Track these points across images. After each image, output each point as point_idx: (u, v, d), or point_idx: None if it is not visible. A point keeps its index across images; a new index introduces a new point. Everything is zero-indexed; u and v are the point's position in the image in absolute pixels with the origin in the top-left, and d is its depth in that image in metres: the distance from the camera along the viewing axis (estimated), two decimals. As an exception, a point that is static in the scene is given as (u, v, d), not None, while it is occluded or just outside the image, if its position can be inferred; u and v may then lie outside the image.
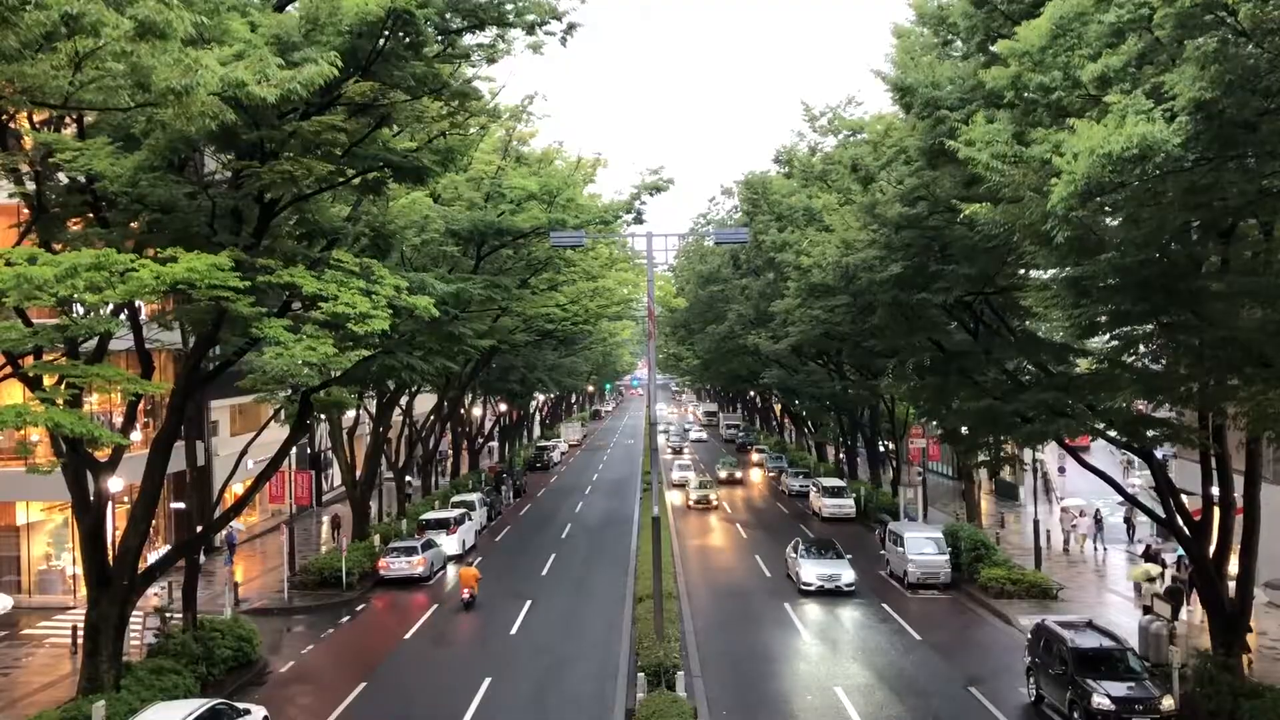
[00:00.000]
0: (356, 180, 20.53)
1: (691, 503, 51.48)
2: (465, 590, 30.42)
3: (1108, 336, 20.30)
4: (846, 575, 31.19)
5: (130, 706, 18.46)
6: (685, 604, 29.69)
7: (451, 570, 35.91)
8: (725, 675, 23.16)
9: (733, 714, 20.77)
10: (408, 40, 17.71)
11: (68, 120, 19.58)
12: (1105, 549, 38.42)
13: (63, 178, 19.56)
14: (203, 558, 33.93)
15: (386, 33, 17.23)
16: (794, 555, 33.25)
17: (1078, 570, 35.15)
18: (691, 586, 32.46)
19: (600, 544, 41.32)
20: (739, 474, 63.93)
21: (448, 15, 18.81)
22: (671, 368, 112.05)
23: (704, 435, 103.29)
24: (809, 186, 42.12)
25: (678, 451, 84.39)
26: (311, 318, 18.08)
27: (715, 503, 51.51)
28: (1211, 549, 21.13)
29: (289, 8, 18.86)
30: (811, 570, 31.44)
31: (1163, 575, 30.02)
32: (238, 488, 32.25)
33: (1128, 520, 40.58)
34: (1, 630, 27.33)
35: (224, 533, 37.34)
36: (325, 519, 43.53)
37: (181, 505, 34.06)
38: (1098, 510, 41.10)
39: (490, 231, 32.22)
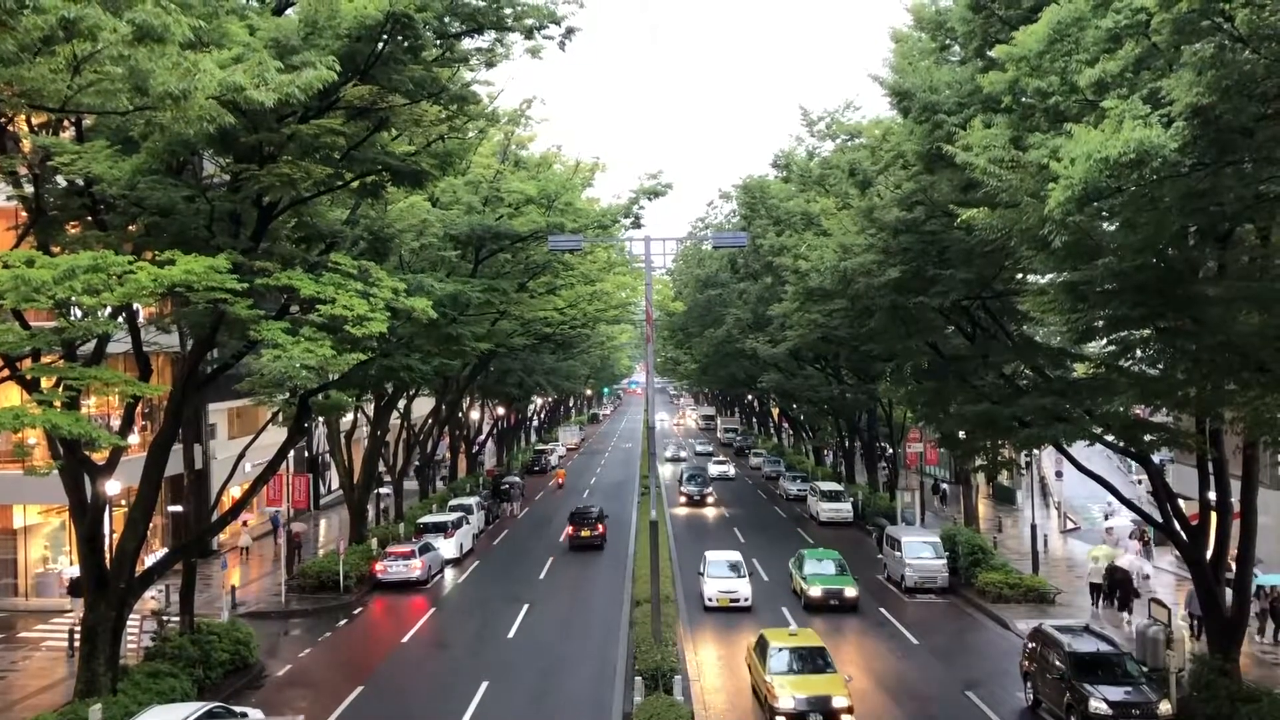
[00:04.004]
0: (355, 184, 20.55)
1: (781, 712, 19.64)
2: (560, 479, 59.63)
3: (1105, 341, 20.31)
4: None
5: (127, 710, 18.42)
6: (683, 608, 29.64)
7: (450, 573, 35.96)
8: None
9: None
10: (406, 44, 17.73)
11: (66, 123, 19.60)
12: (1151, 574, 32.72)
13: (61, 180, 19.56)
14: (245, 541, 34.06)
15: (385, 36, 17.25)
16: None
17: (1076, 575, 35.11)
18: None
19: (590, 575, 41.22)
20: (852, 591, 29.76)
21: (446, 19, 18.83)
22: (669, 371, 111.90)
23: (730, 470, 68.45)
24: (807, 191, 42.17)
25: (696, 503, 53.10)
26: (309, 320, 18.08)
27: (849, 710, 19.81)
28: (1209, 554, 21.15)
29: (288, 11, 18.89)
30: None
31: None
32: (235, 490, 32.22)
33: (1142, 535, 35.64)
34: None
35: (269, 515, 37.85)
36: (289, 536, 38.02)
37: (179, 508, 34.02)
38: (1145, 532, 35.01)
39: (488, 235, 32.23)
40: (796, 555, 32.96)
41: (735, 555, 32.01)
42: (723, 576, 30.31)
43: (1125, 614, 28.09)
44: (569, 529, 40.53)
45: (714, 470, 66.26)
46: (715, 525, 41.95)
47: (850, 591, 29.60)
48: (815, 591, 29.66)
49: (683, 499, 54.16)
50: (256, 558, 38.82)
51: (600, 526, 40.59)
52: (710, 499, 54.34)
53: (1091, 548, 34.76)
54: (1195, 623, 25.66)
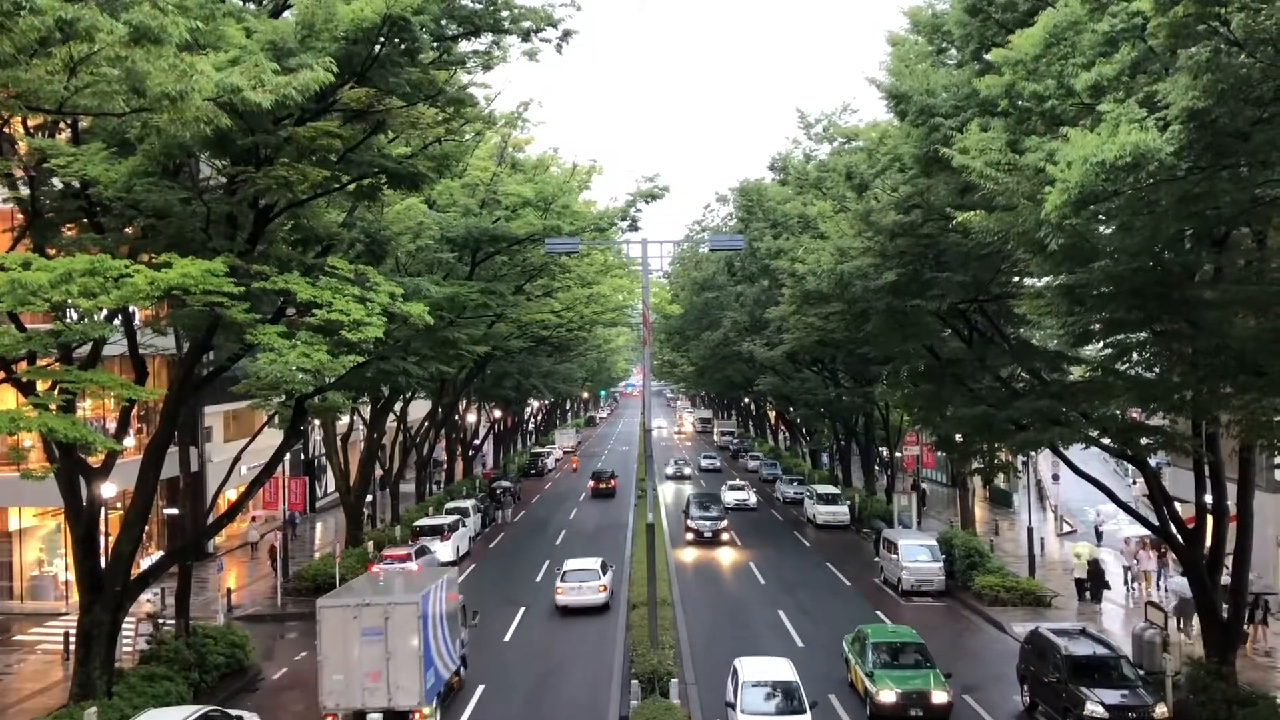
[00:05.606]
0: (351, 186, 20.54)
1: None
2: (574, 465, 69.22)
3: (1101, 344, 20.35)
4: None
5: (122, 713, 18.39)
6: (680, 611, 29.62)
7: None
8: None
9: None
10: (403, 46, 17.72)
11: (62, 125, 19.58)
12: (1166, 590, 30.99)
13: (57, 183, 19.54)
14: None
15: (382, 39, 17.24)
16: None
17: (1073, 579, 35.08)
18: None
19: (595, 551, 41.12)
20: (942, 696, 20.07)
21: (443, 22, 18.83)
22: (666, 374, 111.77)
23: (751, 498, 53.48)
24: (804, 194, 42.20)
25: (707, 541, 41.52)
26: (306, 324, 18.06)
27: None
28: (1205, 557, 21.17)
29: (285, 14, 18.88)
30: None
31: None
32: (231, 493, 32.18)
33: (1158, 546, 32.21)
34: None
35: (285, 514, 38.21)
36: (268, 545, 36.64)
37: (174, 511, 33.99)
38: (1162, 543, 31.94)
39: (485, 238, 32.23)
40: (856, 634, 23.01)
41: (784, 669, 19.79)
42: (766, 713, 18.61)
43: (1096, 605, 28.51)
44: (591, 483, 59.88)
45: (730, 497, 51.75)
46: (740, 586, 33.78)
47: (939, 696, 20.03)
48: (887, 696, 20.13)
49: (689, 536, 42.05)
50: (262, 558, 38.66)
51: (613, 482, 59.40)
52: (725, 535, 41.99)
53: (1073, 544, 35.23)
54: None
